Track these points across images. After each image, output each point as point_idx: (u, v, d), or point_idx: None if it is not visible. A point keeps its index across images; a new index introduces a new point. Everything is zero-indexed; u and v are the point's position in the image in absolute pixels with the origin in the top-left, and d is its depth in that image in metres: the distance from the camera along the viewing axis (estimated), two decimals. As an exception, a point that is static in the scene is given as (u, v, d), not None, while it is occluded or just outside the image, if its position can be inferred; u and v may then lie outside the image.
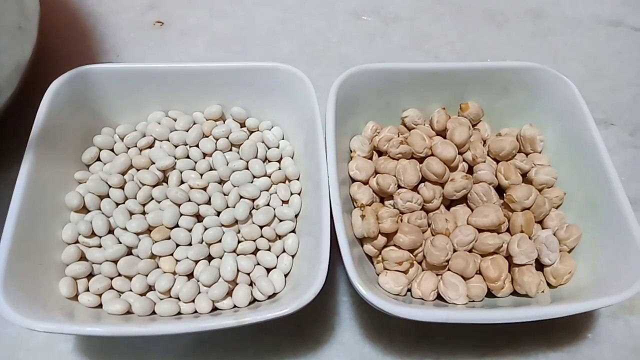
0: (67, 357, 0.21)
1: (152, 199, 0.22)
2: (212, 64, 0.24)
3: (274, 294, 0.20)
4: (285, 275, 0.21)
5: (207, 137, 0.24)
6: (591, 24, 0.35)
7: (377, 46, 0.33)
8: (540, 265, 0.22)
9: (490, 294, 0.21)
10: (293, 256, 0.21)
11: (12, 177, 0.20)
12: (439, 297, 0.21)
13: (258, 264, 0.21)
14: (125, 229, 0.21)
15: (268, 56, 0.32)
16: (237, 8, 0.34)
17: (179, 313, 0.20)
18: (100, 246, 0.21)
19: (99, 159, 0.23)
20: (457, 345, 0.22)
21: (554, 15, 0.35)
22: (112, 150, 0.23)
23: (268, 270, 0.21)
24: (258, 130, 0.24)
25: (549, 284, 0.21)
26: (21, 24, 0.24)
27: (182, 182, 0.22)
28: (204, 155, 0.23)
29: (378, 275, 0.21)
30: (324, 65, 0.31)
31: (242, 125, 0.25)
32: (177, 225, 0.21)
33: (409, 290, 0.21)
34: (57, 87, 0.22)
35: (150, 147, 0.23)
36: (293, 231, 0.22)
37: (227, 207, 0.22)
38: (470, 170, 0.23)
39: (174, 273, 0.20)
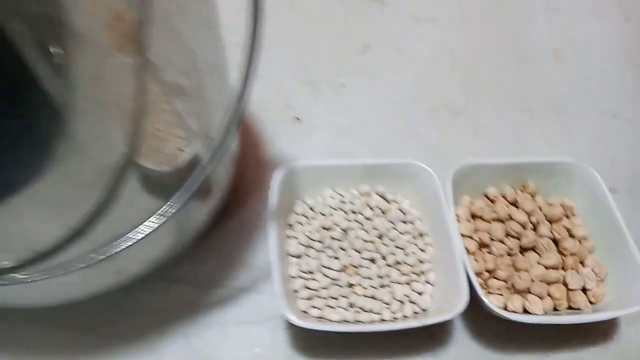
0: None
1: (341, 248, 0.34)
2: (365, 161, 0.37)
3: (424, 310, 0.33)
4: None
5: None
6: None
7: (451, 137, 0.46)
8: (584, 290, 0.34)
9: (554, 309, 0.34)
10: (432, 285, 0.34)
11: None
12: (525, 311, 0.34)
13: (412, 290, 0.33)
14: (329, 268, 0.33)
15: (382, 144, 0.45)
16: (349, 106, 0.47)
17: (372, 321, 0.32)
18: (314, 279, 0.33)
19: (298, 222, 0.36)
20: (534, 342, 0.35)
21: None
22: (305, 215, 0.36)
23: (419, 294, 0.33)
24: (395, 202, 0.37)
25: (590, 302, 0.34)
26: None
27: (355, 237, 0.35)
28: (366, 218, 0.36)
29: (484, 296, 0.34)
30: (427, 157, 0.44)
31: (383, 197, 0.38)
32: (360, 266, 0.34)
33: (506, 306, 0.34)
34: (279, 176, 0.35)
35: (331, 214, 0.36)
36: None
37: (389, 253, 0.34)
38: (535, 229, 0.37)
39: (365, 295, 0.33)
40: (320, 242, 0.34)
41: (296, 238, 0.35)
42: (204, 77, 0.27)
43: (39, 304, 0.32)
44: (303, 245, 0.34)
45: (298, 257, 0.34)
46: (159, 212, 0.25)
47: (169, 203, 0.25)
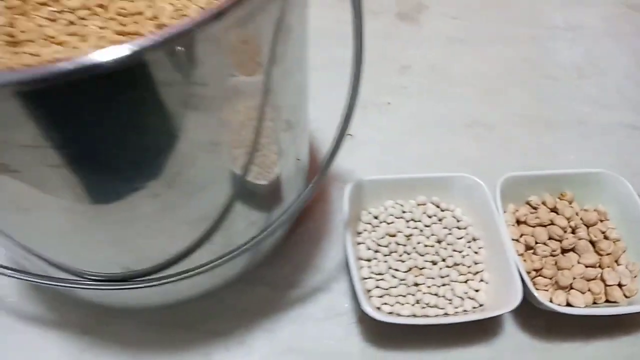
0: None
1: (405, 252, 0.39)
2: (421, 175, 0.42)
3: (481, 305, 0.38)
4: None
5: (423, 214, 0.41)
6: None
7: (487, 151, 0.51)
8: (620, 285, 0.39)
9: (594, 302, 0.39)
10: (487, 283, 0.39)
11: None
12: (567, 304, 0.38)
13: (470, 288, 0.38)
14: (397, 269, 0.38)
15: (424, 158, 0.50)
16: (393, 122, 0.52)
17: (437, 315, 0.37)
18: (384, 280, 0.38)
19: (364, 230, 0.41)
20: (575, 332, 0.39)
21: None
22: (370, 224, 0.41)
23: (476, 291, 0.38)
24: (449, 210, 0.42)
25: (625, 296, 0.39)
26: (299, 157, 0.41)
27: (417, 243, 0.40)
28: (425, 225, 0.41)
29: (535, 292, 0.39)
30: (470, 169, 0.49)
31: (438, 206, 0.42)
32: (423, 267, 0.38)
33: (551, 300, 0.39)
34: (349, 189, 0.40)
35: (393, 222, 0.41)
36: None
37: (448, 256, 0.39)
38: (574, 232, 0.41)
39: (430, 293, 0.37)
40: (386, 247, 0.39)
41: (365, 244, 0.39)
42: (304, 112, 0.32)
43: (154, 304, 0.36)
44: (372, 250, 0.39)
45: (368, 260, 0.39)
46: (274, 224, 0.30)
47: (280, 218, 0.30)
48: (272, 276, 0.41)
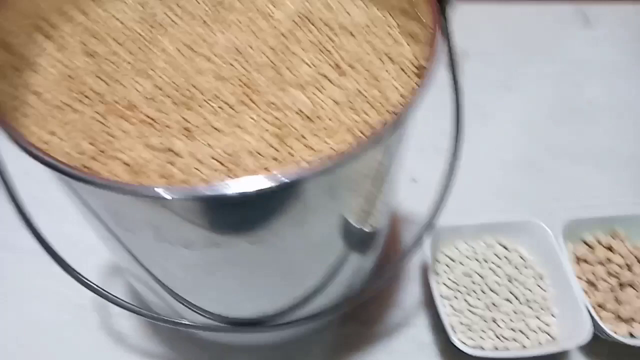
0: None
1: (481, 291, 0.44)
2: (490, 219, 0.47)
3: (553, 338, 0.42)
4: (552, 327, 0.43)
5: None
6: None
7: (540, 190, 0.56)
8: (675, 317, 0.44)
9: (652, 332, 0.43)
10: (555, 318, 0.44)
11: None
12: (630, 335, 0.43)
13: (542, 322, 0.43)
14: (476, 307, 0.43)
15: (485, 198, 0.55)
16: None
17: (516, 348, 0.41)
18: (465, 316, 0.43)
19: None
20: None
21: None
22: (447, 265, 0.46)
23: (547, 325, 0.43)
24: (515, 250, 0.47)
25: (680, 326, 0.43)
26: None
27: (491, 281, 0.45)
28: (496, 265, 0.46)
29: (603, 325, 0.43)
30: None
31: (505, 247, 0.47)
32: (499, 304, 0.43)
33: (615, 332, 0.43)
34: (429, 235, 0.45)
35: (467, 263, 0.46)
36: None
37: (520, 293, 0.44)
38: (629, 268, 0.46)
39: (507, 328, 0.42)
40: (464, 286, 0.44)
41: (445, 284, 0.44)
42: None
43: (269, 342, 0.41)
44: (452, 289, 0.44)
45: (448, 298, 0.44)
46: (389, 273, 0.35)
47: (396, 266, 0.35)
48: (361, 313, 0.46)
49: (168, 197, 0.23)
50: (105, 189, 0.23)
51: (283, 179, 0.23)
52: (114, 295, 0.35)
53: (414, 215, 0.54)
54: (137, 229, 0.27)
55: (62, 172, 0.23)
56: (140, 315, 0.36)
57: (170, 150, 0.28)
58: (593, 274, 0.45)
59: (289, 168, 0.28)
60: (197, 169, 0.28)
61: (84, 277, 0.34)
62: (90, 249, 0.41)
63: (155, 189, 0.23)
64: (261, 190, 0.23)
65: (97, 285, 0.34)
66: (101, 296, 0.35)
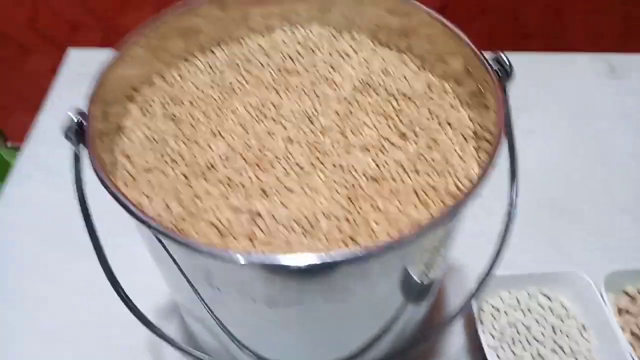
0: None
1: (527, 340, 0.45)
2: (534, 271, 0.48)
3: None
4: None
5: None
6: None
7: (572, 239, 0.57)
8: None
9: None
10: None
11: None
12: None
13: (587, 373, 0.44)
14: (522, 357, 0.44)
15: (524, 248, 0.56)
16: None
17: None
18: (512, 366, 0.44)
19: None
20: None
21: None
22: (492, 315, 0.47)
23: (594, 376, 0.44)
24: (557, 300, 0.48)
25: None
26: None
27: (536, 331, 0.46)
28: (539, 315, 0.47)
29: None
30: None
31: (547, 297, 0.48)
32: (546, 355, 0.44)
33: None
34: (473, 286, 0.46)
35: (511, 313, 0.47)
36: None
37: (565, 344, 0.45)
38: (672, 320, 0.47)
39: (554, 379, 0.43)
40: (510, 336, 0.45)
41: (490, 333, 0.45)
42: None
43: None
44: (497, 339, 0.45)
45: (495, 348, 0.45)
46: (442, 325, 0.36)
47: (453, 317, 0.37)
48: (407, 360, 0.47)
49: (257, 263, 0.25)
50: (200, 253, 0.26)
51: (365, 252, 0.25)
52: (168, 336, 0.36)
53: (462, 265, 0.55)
54: (223, 285, 0.29)
55: (163, 234, 0.25)
56: (196, 357, 0.38)
57: (251, 210, 0.31)
58: (637, 325, 0.46)
59: (370, 243, 0.29)
60: (277, 229, 0.30)
61: (145, 315, 0.35)
62: (147, 289, 0.43)
63: (239, 255, 0.25)
64: (347, 260, 0.25)
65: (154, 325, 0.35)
66: (158, 335, 0.36)
